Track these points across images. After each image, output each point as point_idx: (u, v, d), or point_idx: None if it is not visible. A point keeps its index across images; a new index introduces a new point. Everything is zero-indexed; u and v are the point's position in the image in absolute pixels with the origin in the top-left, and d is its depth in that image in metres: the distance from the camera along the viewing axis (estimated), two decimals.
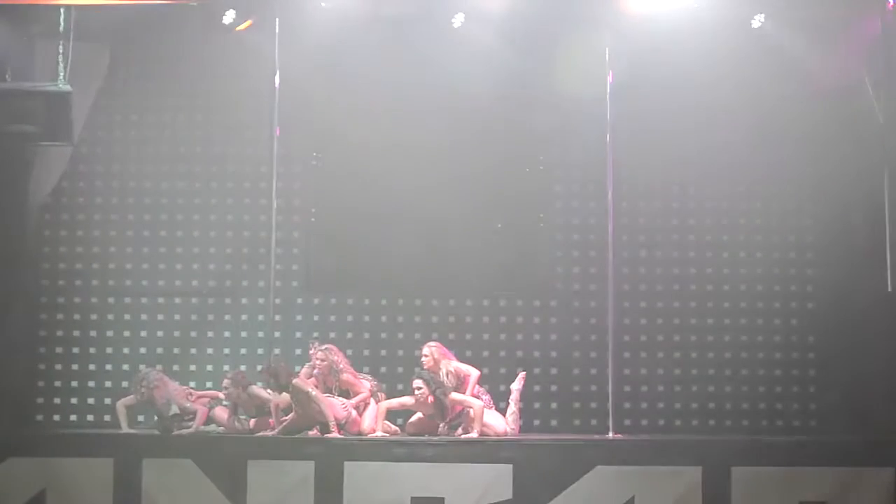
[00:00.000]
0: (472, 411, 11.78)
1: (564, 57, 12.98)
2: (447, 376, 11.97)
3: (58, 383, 13.56)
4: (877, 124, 12.15)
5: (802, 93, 12.84)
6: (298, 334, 13.74)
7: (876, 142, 12.21)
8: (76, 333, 13.68)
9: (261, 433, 11.88)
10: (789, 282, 13.76)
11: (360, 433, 11.83)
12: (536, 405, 13.52)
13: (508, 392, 12.39)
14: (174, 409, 12.21)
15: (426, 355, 12.12)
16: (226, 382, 12.19)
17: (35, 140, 12.13)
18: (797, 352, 13.72)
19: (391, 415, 12.17)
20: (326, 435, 11.53)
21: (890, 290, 12.16)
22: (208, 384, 13.29)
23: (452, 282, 13.68)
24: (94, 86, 13.12)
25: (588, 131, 13.15)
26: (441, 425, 11.90)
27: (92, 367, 13.61)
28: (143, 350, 13.63)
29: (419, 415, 12.04)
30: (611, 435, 12.29)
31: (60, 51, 11.95)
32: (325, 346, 12.32)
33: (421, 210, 13.62)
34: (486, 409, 11.94)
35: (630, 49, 12.75)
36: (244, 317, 13.71)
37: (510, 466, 11.02)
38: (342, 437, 11.56)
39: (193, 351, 13.65)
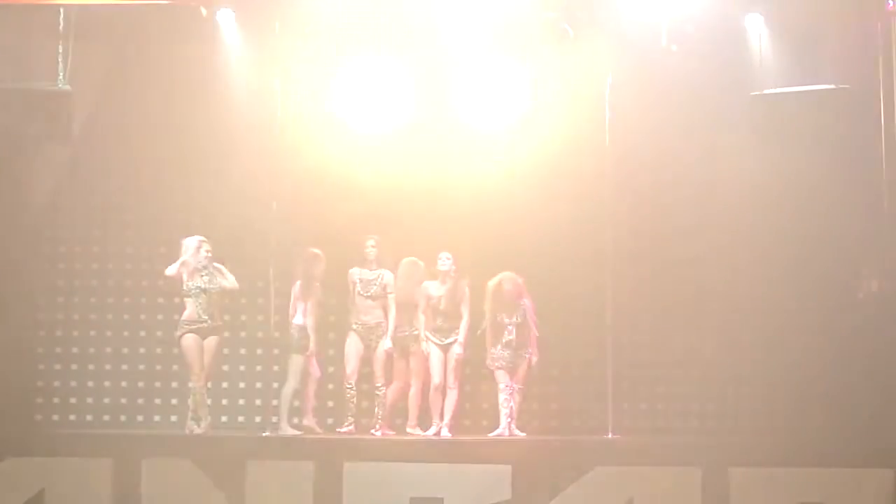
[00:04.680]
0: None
1: (564, 58, 12.99)
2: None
3: (57, 383, 13.57)
4: (876, 125, 12.14)
5: (801, 94, 12.83)
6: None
7: (875, 143, 12.21)
8: (75, 333, 13.68)
9: None
10: (789, 282, 13.74)
11: None
12: (535, 405, 13.53)
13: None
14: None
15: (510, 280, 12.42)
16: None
17: (35, 140, 12.14)
18: (795, 353, 13.72)
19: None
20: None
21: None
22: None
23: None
24: (94, 86, 13.13)
25: (587, 131, 13.15)
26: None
27: (91, 367, 13.62)
28: (142, 350, 13.64)
29: None
30: (610, 435, 12.29)
31: (60, 51, 11.95)
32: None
33: (420, 210, 13.61)
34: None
35: (630, 50, 12.74)
36: (243, 317, 13.71)
37: (509, 467, 11.02)
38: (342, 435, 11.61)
39: None
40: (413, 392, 12.58)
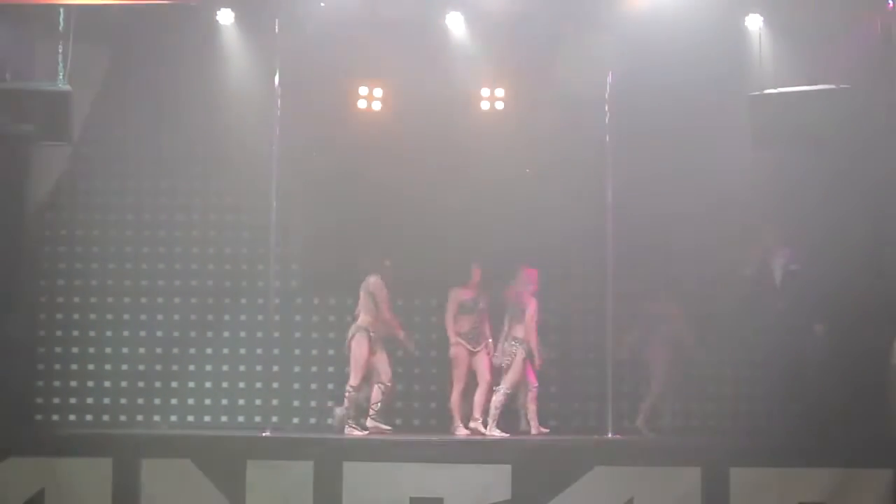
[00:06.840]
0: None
1: (564, 57, 12.98)
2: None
3: (57, 383, 13.59)
4: (876, 125, 12.13)
5: (801, 94, 12.83)
6: (298, 334, 13.77)
7: (875, 143, 12.20)
8: (75, 333, 13.70)
9: None
10: (788, 282, 13.72)
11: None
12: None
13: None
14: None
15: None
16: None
17: (35, 140, 12.13)
18: (795, 353, 13.68)
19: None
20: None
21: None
22: (207, 384, 13.30)
23: (452, 282, 13.65)
24: (94, 85, 13.15)
25: (588, 131, 13.14)
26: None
27: (91, 367, 13.63)
28: (142, 350, 13.65)
29: None
30: (610, 435, 12.29)
31: (60, 50, 11.95)
32: None
33: (420, 210, 13.63)
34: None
35: (630, 49, 12.73)
36: (243, 317, 13.73)
37: (509, 467, 11.00)
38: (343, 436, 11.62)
39: (193, 351, 13.67)
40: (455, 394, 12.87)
